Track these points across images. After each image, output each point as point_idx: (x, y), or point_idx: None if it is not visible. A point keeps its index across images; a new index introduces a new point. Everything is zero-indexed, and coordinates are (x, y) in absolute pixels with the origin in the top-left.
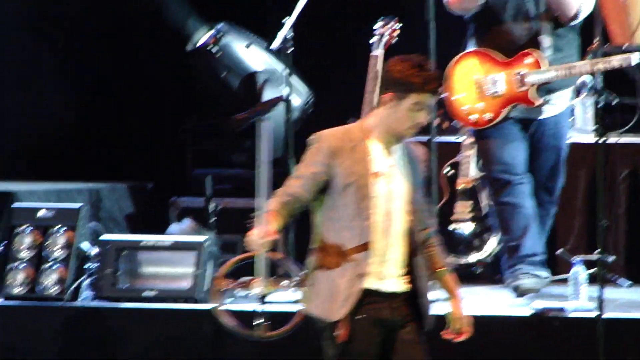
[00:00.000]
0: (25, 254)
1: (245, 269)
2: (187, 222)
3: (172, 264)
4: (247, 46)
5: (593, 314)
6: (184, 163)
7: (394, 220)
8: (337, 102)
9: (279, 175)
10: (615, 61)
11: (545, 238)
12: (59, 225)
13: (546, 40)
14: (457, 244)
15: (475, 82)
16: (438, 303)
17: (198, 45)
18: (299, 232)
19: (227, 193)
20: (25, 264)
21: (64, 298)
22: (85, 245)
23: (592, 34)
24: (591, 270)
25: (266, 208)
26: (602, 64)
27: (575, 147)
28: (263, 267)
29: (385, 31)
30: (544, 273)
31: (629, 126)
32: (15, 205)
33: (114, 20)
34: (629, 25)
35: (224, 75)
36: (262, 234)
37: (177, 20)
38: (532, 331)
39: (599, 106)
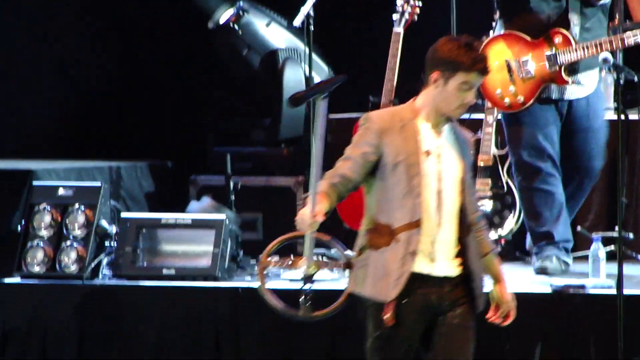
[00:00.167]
0: (44, 233)
1: (290, 249)
2: (206, 200)
3: (191, 242)
4: (268, 24)
5: (613, 291)
6: (204, 141)
7: (445, 200)
8: (358, 79)
9: (301, 154)
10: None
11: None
12: (79, 204)
13: (575, 19)
14: None
15: (506, 66)
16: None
17: (220, 23)
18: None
19: (247, 171)
20: (44, 243)
21: (84, 276)
22: (104, 224)
23: (613, 11)
24: (610, 247)
25: (316, 189)
26: (633, 38)
27: None
28: (309, 247)
29: (407, 8)
30: (570, 260)
31: None
32: (35, 183)
33: None
34: None
35: (245, 54)
36: (311, 214)
37: None
38: (552, 308)
39: (619, 83)
